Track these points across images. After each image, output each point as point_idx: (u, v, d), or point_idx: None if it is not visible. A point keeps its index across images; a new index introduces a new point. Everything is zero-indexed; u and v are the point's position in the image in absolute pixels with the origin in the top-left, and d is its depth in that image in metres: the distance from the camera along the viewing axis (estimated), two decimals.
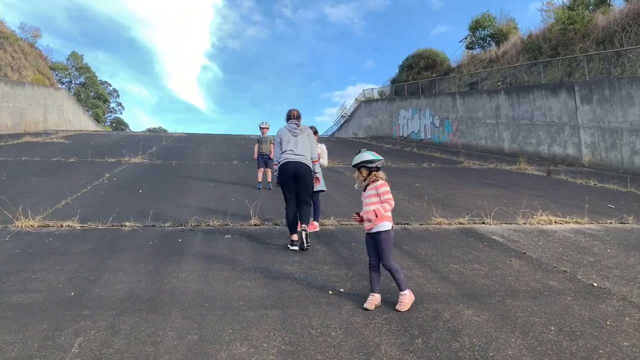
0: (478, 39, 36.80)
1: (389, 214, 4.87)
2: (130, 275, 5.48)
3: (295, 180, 7.03)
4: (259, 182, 12.13)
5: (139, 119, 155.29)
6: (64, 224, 7.67)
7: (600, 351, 3.93)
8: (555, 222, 8.80)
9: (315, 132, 8.22)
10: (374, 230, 4.83)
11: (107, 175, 13.04)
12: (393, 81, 44.21)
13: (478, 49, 37.14)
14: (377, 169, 5.01)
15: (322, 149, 8.17)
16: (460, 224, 8.56)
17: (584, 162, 19.65)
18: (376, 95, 47.72)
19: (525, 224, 8.69)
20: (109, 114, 71.80)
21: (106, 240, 6.96)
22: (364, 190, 5.05)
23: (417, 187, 13.03)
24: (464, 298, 5.05)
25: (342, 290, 5.18)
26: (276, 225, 8.17)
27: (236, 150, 22.17)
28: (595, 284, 5.57)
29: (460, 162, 19.77)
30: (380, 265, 4.86)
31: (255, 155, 12.49)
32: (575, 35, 25.91)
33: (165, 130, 65.68)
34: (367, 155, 5.02)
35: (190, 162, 17.45)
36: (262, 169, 12.26)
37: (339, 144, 29.64)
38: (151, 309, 4.56)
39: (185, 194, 10.79)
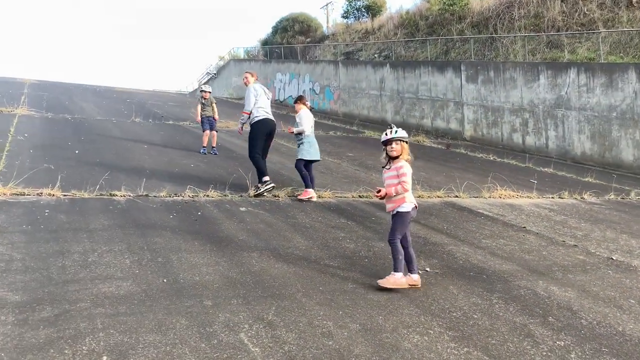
0: (354, 9, 37.70)
1: (408, 195, 4.87)
2: (199, 257, 4.93)
3: (268, 136, 8.39)
4: (204, 147, 11.38)
5: None
6: (42, 191, 6.52)
7: None
8: (513, 196, 9.67)
9: (302, 100, 8.78)
10: (393, 211, 4.84)
11: (11, 130, 11.18)
12: (265, 42, 43.59)
13: (352, 19, 38.14)
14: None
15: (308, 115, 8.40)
16: (439, 197, 9.01)
17: (466, 137, 21.53)
18: (242, 55, 46.81)
19: (490, 197, 9.42)
20: None
21: (114, 212, 6.10)
22: (387, 169, 4.96)
23: (351, 156, 13.28)
24: (533, 274, 5.42)
25: (428, 269, 5.23)
26: (276, 197, 7.82)
27: (122, 105, 20.39)
28: (613, 257, 6.32)
29: (362, 132, 20.43)
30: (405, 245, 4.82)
31: (199, 118, 11.73)
32: (452, 17, 27.89)
33: None
34: (404, 131, 4.99)
35: (86, 117, 15.67)
36: (207, 132, 11.53)
37: (223, 104, 28.64)
38: (273, 296, 4.20)
39: (130, 158, 9.75)
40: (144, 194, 7.05)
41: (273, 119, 8.55)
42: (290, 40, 39.70)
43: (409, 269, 4.81)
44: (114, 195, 6.84)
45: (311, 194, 7.85)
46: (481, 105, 21.13)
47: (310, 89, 32.85)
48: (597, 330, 4.15)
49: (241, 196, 7.63)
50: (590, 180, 13.09)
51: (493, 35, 24.02)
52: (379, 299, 4.36)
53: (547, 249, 6.44)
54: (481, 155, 16.46)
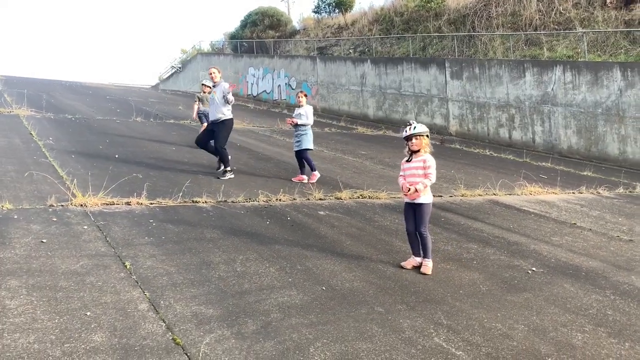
0: (325, 4, 37.86)
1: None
2: (330, 263, 5.14)
3: None
4: None
5: None
6: (130, 200, 6.50)
7: None
8: (541, 192, 10.22)
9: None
10: (417, 201, 5.20)
11: (32, 133, 10.88)
12: (233, 36, 43.15)
13: (324, 14, 38.33)
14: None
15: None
16: (480, 195, 9.44)
17: (451, 132, 22.21)
18: (208, 49, 46.33)
19: (522, 194, 9.93)
20: None
21: (214, 220, 6.20)
22: (408, 161, 5.31)
23: (366, 154, 13.58)
24: (620, 270, 5.88)
25: (534, 269, 5.61)
26: (339, 199, 8.04)
27: (107, 102, 20.04)
28: None
29: (354, 129, 20.78)
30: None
31: (195, 115, 12.25)
32: (428, 13, 28.53)
33: None
34: (423, 126, 5.33)
35: (87, 117, 15.33)
36: (205, 125, 11.55)
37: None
38: (429, 300, 4.48)
39: (172, 161, 9.74)
40: (223, 199, 7.13)
41: None
42: (261, 35, 39.46)
43: (414, 252, 5.37)
44: (196, 202, 6.89)
45: (315, 176, 9.27)
46: (466, 101, 21.82)
47: (286, 84, 32.85)
48: None
49: (308, 199, 7.80)
50: (589, 174, 13.88)
51: (473, 33, 24.77)
52: (517, 300, 4.69)
53: (611, 244, 6.95)
54: (477, 150, 17.10)
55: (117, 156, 9.53)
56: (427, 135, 5.36)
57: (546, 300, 4.75)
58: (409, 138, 5.26)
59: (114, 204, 6.37)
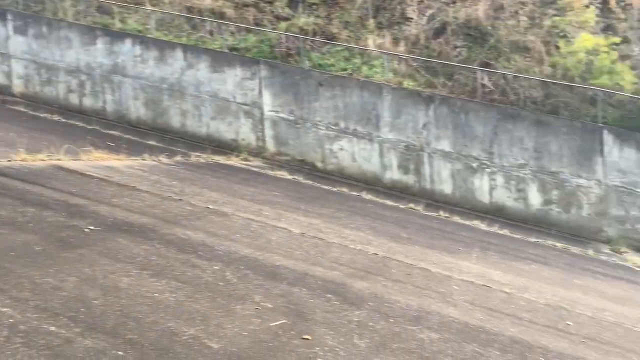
0: None
1: None
2: None
3: None
4: None
5: None
6: None
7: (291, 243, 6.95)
8: (107, 159, 10.61)
9: None
10: None
11: None
12: None
13: None
14: None
15: None
16: (43, 160, 9.13)
17: (16, 93, 20.27)
18: None
19: (88, 160, 10.11)
20: None
21: None
22: None
23: None
24: (168, 224, 6.83)
25: (92, 227, 5.94)
26: None
27: None
28: (209, 207, 8.33)
29: None
30: None
31: None
32: None
33: None
34: None
35: None
36: None
37: None
38: None
39: None
40: None
41: None
42: None
43: None
44: None
45: None
46: (33, 61, 20.29)
47: None
48: (232, 256, 5.97)
49: None
50: (153, 143, 15.14)
51: None
52: (71, 256, 4.97)
53: (164, 203, 7.93)
54: (45, 115, 16.39)
55: None
56: None
57: (99, 254, 5.17)
58: None
59: None
